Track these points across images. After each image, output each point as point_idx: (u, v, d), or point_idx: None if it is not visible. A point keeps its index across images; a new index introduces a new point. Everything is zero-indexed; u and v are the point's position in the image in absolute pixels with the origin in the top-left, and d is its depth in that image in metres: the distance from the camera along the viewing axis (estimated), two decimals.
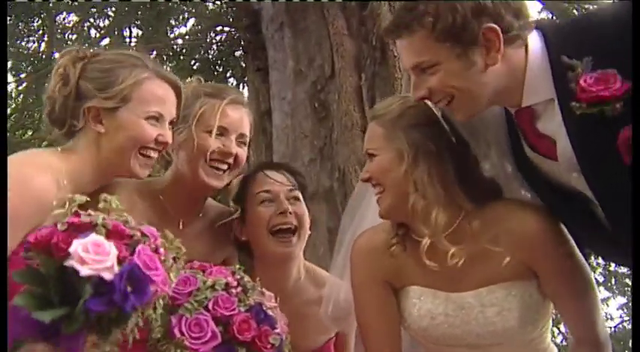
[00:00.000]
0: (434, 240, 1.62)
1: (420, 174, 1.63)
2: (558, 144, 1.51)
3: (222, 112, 1.91)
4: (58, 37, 7.14)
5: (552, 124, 1.50)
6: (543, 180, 1.62)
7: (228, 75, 7.16)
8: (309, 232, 2.07)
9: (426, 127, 1.66)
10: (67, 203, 1.22)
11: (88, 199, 1.25)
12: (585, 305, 1.68)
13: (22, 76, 7.28)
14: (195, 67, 7.11)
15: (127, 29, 7.32)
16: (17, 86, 7.34)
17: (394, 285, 1.79)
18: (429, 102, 1.63)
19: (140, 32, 7.31)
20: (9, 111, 7.03)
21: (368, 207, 1.81)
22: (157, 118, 1.72)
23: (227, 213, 2.15)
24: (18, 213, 1.41)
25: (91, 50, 1.80)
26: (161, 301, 1.28)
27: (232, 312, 1.44)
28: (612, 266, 7.21)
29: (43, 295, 1.15)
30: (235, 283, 1.51)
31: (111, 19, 7.28)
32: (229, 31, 6.93)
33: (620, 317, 7.82)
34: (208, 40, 7.24)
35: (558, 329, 6.44)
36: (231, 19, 6.62)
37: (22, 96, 7.46)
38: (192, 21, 7.58)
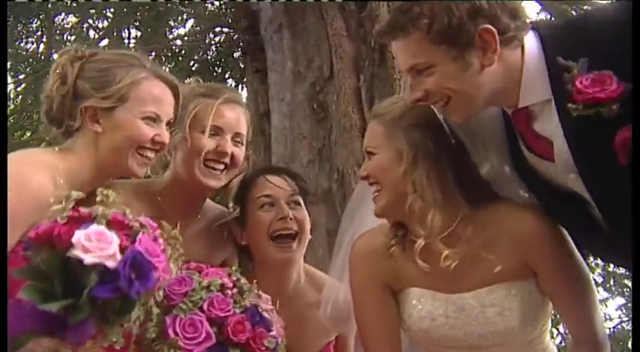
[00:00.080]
0: (429, 242, 1.62)
1: (418, 175, 1.63)
2: (555, 145, 1.51)
3: (216, 112, 1.91)
4: (57, 38, 7.13)
5: (549, 125, 1.50)
6: (540, 181, 1.62)
7: (226, 76, 7.16)
8: (309, 236, 2.07)
9: (426, 128, 1.66)
10: (64, 200, 1.23)
11: (84, 195, 1.25)
12: (584, 304, 1.69)
13: (21, 77, 7.27)
14: (193, 68, 7.11)
15: (126, 30, 7.31)
16: (16, 87, 7.33)
17: (393, 287, 1.79)
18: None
19: (139, 33, 7.30)
20: (7, 112, 7.02)
21: (368, 210, 1.80)
22: (154, 119, 1.72)
23: (226, 214, 2.15)
24: (16, 211, 1.41)
25: (90, 50, 1.80)
26: (160, 293, 1.29)
27: (227, 313, 1.44)
28: (611, 267, 7.20)
29: (46, 289, 1.15)
30: (231, 284, 1.51)
31: (110, 20, 7.27)
32: (228, 32, 6.93)
33: (619, 317, 7.82)
34: (207, 41, 7.24)
35: (557, 329, 6.44)
36: (230, 21, 6.62)
37: (20, 97, 7.44)
38: (191, 22, 7.58)
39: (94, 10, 7.22)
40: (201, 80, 2.13)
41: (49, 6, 6.96)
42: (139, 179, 1.95)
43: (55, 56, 1.89)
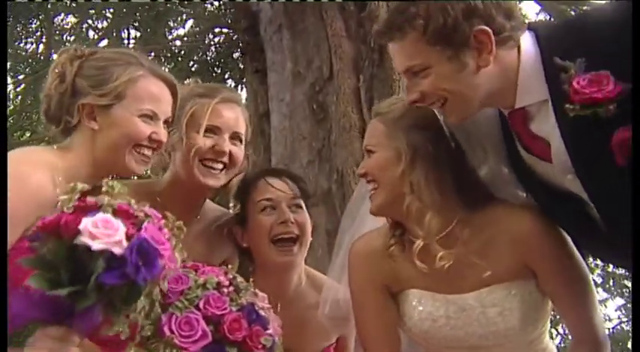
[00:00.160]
0: (427, 243, 1.62)
1: (416, 177, 1.63)
2: (552, 145, 1.51)
3: (213, 111, 1.92)
4: (56, 38, 7.13)
5: (546, 125, 1.50)
6: (538, 182, 1.63)
7: (226, 76, 7.17)
8: (310, 239, 2.07)
9: (426, 130, 1.66)
10: (70, 191, 1.24)
11: (89, 187, 1.26)
12: (584, 304, 1.69)
13: (20, 77, 7.27)
14: (193, 69, 7.11)
15: (125, 30, 7.31)
16: (15, 88, 7.33)
17: (393, 289, 1.79)
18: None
19: (138, 34, 7.30)
20: (7, 112, 7.02)
21: (367, 210, 1.80)
22: (151, 116, 1.72)
23: (226, 215, 2.14)
24: (15, 210, 1.41)
25: (89, 49, 1.80)
26: (165, 283, 1.29)
27: (223, 311, 1.44)
28: (610, 268, 7.21)
29: (53, 278, 1.16)
30: (227, 282, 1.50)
31: (109, 20, 7.27)
32: (228, 32, 6.93)
33: (619, 318, 7.82)
34: (207, 42, 7.24)
35: (556, 330, 6.44)
36: (229, 21, 6.62)
37: (20, 97, 7.44)
38: (190, 22, 7.58)
39: (93, 11, 7.22)
40: (200, 81, 2.13)
41: (49, 6, 6.96)
42: (139, 180, 1.95)
43: (55, 56, 1.90)
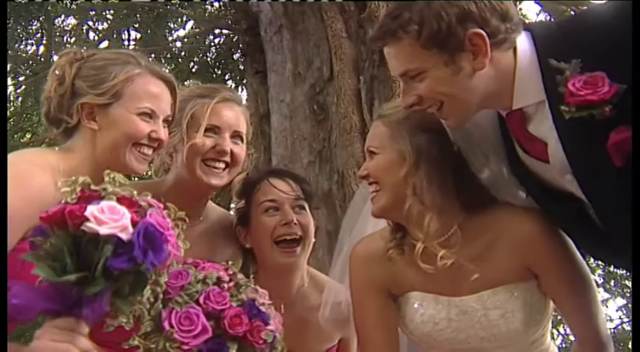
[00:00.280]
0: (427, 245, 1.62)
1: (419, 179, 1.63)
2: (549, 146, 1.51)
3: (212, 111, 1.92)
4: (57, 40, 7.13)
5: (543, 126, 1.50)
6: (537, 183, 1.62)
7: (226, 77, 7.17)
8: (313, 240, 2.07)
9: (430, 133, 1.66)
10: (72, 183, 1.24)
11: (90, 181, 1.26)
12: (586, 306, 1.69)
13: (21, 78, 7.26)
14: (193, 70, 7.11)
15: (126, 32, 7.31)
16: (16, 89, 7.33)
17: (394, 292, 1.78)
18: None
19: (139, 35, 7.30)
20: (7, 113, 7.02)
21: (369, 212, 1.80)
22: (150, 114, 1.72)
23: (227, 216, 2.15)
24: (18, 211, 1.42)
25: (88, 51, 1.81)
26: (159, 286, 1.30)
27: (224, 306, 1.44)
28: (612, 268, 7.20)
29: (59, 268, 1.15)
30: (228, 278, 1.51)
31: (109, 21, 7.28)
32: (228, 33, 6.94)
33: (620, 318, 7.82)
34: (207, 43, 7.25)
35: (558, 330, 6.44)
36: (229, 22, 6.62)
37: (20, 99, 7.45)
38: (190, 23, 7.59)
39: (93, 12, 7.23)
40: (200, 83, 2.14)
41: (49, 8, 6.96)
42: (142, 181, 1.96)
43: (55, 58, 1.90)
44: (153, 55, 6.51)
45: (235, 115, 1.98)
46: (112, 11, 7.18)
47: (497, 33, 1.47)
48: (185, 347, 1.37)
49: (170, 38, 7.45)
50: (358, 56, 4.82)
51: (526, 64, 1.49)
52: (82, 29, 7.31)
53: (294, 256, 1.99)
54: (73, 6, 7.15)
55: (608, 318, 7.61)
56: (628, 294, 7.42)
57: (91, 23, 7.32)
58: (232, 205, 2.13)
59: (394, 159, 1.67)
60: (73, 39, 7.15)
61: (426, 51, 1.47)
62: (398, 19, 1.49)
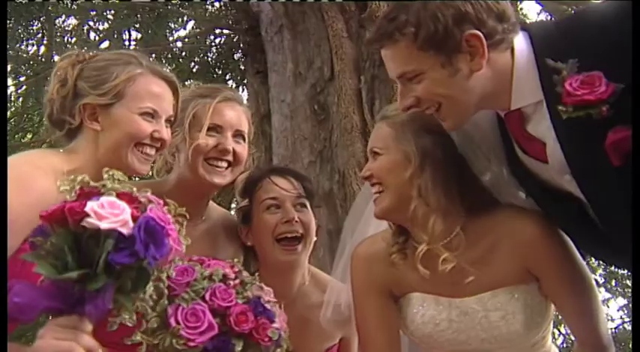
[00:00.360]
0: (430, 247, 1.62)
1: (424, 181, 1.62)
2: (548, 146, 1.50)
3: (214, 110, 1.93)
4: (58, 40, 7.14)
5: (541, 127, 1.50)
6: (536, 182, 1.62)
7: (227, 77, 7.17)
8: (315, 239, 2.07)
9: (435, 134, 1.65)
10: (70, 182, 1.24)
11: (89, 179, 1.26)
12: (587, 308, 1.68)
13: (22, 79, 7.27)
14: (194, 70, 7.11)
15: (127, 32, 7.32)
16: (17, 89, 7.34)
17: (395, 293, 1.78)
18: None
19: (139, 35, 7.31)
20: (8, 114, 7.03)
21: (372, 213, 1.79)
22: (152, 114, 1.72)
23: (229, 216, 2.15)
24: (20, 214, 1.41)
25: (90, 53, 1.81)
26: (172, 270, 1.29)
27: (230, 303, 1.43)
28: (613, 267, 7.20)
29: (61, 265, 1.15)
30: (233, 275, 1.50)
31: (110, 22, 7.28)
32: (228, 33, 6.94)
33: (621, 318, 7.81)
34: (207, 43, 7.25)
35: (559, 330, 6.44)
36: (230, 22, 6.62)
37: (21, 99, 7.45)
38: (191, 24, 7.59)
39: (94, 12, 7.23)
40: (201, 83, 2.15)
41: (50, 8, 6.97)
42: (145, 180, 1.96)
43: (56, 58, 1.90)
44: (154, 55, 6.51)
45: (237, 115, 1.99)
46: (112, 11, 7.19)
47: (494, 34, 1.47)
48: (191, 344, 1.37)
49: (171, 38, 7.46)
50: (359, 56, 4.83)
51: (523, 64, 1.49)
52: (83, 29, 7.31)
53: (296, 254, 1.99)
54: (74, 6, 7.15)
55: (610, 318, 7.61)
56: (629, 294, 7.41)
57: (91, 23, 7.33)
58: (233, 205, 2.13)
59: (399, 160, 1.66)
60: (74, 39, 7.16)
61: (422, 53, 1.47)
62: (394, 21, 1.49)
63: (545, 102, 1.46)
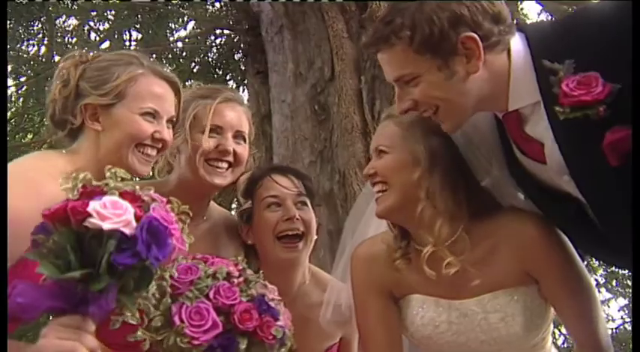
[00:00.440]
0: (436, 249, 1.62)
1: (433, 183, 1.62)
2: (546, 147, 1.50)
3: (215, 111, 1.94)
4: (58, 40, 7.14)
5: (539, 127, 1.50)
6: (535, 183, 1.62)
7: (227, 78, 7.16)
8: (315, 237, 2.07)
9: (442, 136, 1.65)
10: (72, 180, 1.24)
11: (91, 176, 1.26)
12: (586, 310, 1.68)
13: (22, 79, 7.27)
14: (194, 70, 7.11)
15: (127, 32, 7.32)
16: (17, 90, 7.34)
17: (395, 294, 1.79)
18: None
19: (140, 35, 7.30)
20: (9, 114, 7.03)
21: (372, 213, 1.79)
22: (153, 115, 1.72)
23: (229, 215, 2.15)
24: (28, 219, 1.40)
25: (93, 54, 1.81)
26: (174, 269, 1.29)
27: (234, 301, 1.43)
28: (613, 268, 7.19)
29: (63, 265, 1.15)
30: (237, 273, 1.50)
31: (111, 22, 7.28)
32: (229, 34, 6.94)
33: (622, 318, 7.81)
34: (208, 43, 7.25)
35: (560, 331, 6.43)
36: (230, 22, 6.63)
37: (21, 99, 7.45)
38: (191, 24, 7.59)
39: (95, 13, 7.24)
40: (202, 84, 2.15)
41: (50, 8, 6.97)
42: (146, 180, 1.96)
43: (57, 58, 1.91)
44: (154, 56, 6.51)
45: (237, 115, 1.99)
46: (113, 12, 7.19)
47: (489, 35, 1.47)
48: (195, 342, 1.36)
49: (171, 38, 7.46)
50: (359, 56, 4.83)
51: (520, 65, 1.49)
52: (84, 30, 7.31)
53: (297, 251, 1.99)
54: (75, 6, 7.15)
55: (610, 318, 7.61)
56: (630, 294, 7.40)
57: (92, 24, 7.33)
58: (234, 206, 2.13)
59: (406, 160, 1.66)
60: (75, 39, 7.15)
61: (419, 56, 1.48)
62: (390, 24, 1.49)
63: (543, 103, 1.46)
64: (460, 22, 1.45)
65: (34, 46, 7.39)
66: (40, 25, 7.29)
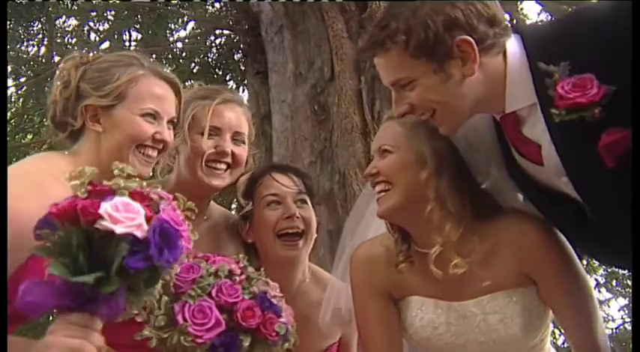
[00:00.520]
0: (443, 250, 1.62)
1: (442, 184, 1.62)
2: (543, 148, 1.50)
3: (214, 112, 1.93)
4: (58, 40, 7.14)
5: (536, 129, 1.50)
6: (533, 185, 1.62)
7: (227, 78, 7.17)
8: (315, 235, 2.07)
9: (445, 138, 1.65)
10: (79, 176, 1.23)
11: (97, 171, 1.26)
12: (583, 313, 1.68)
13: (22, 79, 7.27)
14: (194, 71, 7.12)
15: (127, 33, 7.32)
16: (17, 90, 7.35)
17: (394, 296, 1.78)
18: None
19: (139, 36, 7.31)
20: (9, 115, 7.04)
21: (373, 214, 1.79)
22: (154, 116, 1.71)
23: (229, 215, 2.15)
24: (34, 220, 1.41)
25: (94, 55, 1.81)
26: (177, 267, 1.29)
27: (236, 299, 1.43)
28: (613, 268, 7.19)
29: (71, 264, 1.14)
30: (239, 271, 1.50)
31: (110, 22, 7.29)
32: (229, 34, 6.94)
33: (622, 318, 7.81)
34: (208, 44, 7.25)
35: (560, 330, 6.43)
36: (230, 23, 6.63)
37: (21, 100, 7.46)
38: (191, 24, 7.60)
39: (94, 13, 7.24)
40: (203, 84, 2.15)
41: (50, 9, 6.98)
42: (147, 180, 1.96)
43: (57, 59, 1.91)
44: (154, 56, 6.52)
45: (236, 116, 1.99)
46: (112, 12, 7.20)
47: (485, 38, 1.46)
48: (199, 341, 1.36)
49: (171, 39, 7.47)
50: (359, 56, 4.83)
51: (516, 67, 1.49)
52: (83, 30, 7.31)
53: (297, 249, 1.99)
54: (74, 7, 7.16)
55: (610, 318, 7.62)
56: (630, 294, 7.40)
57: (92, 24, 7.33)
58: (234, 206, 2.13)
59: (410, 160, 1.65)
60: (74, 40, 7.16)
61: (414, 60, 1.47)
62: (385, 29, 1.49)
63: (539, 105, 1.46)
64: (455, 26, 1.45)
65: (33, 46, 7.40)
66: (39, 26, 7.30)
